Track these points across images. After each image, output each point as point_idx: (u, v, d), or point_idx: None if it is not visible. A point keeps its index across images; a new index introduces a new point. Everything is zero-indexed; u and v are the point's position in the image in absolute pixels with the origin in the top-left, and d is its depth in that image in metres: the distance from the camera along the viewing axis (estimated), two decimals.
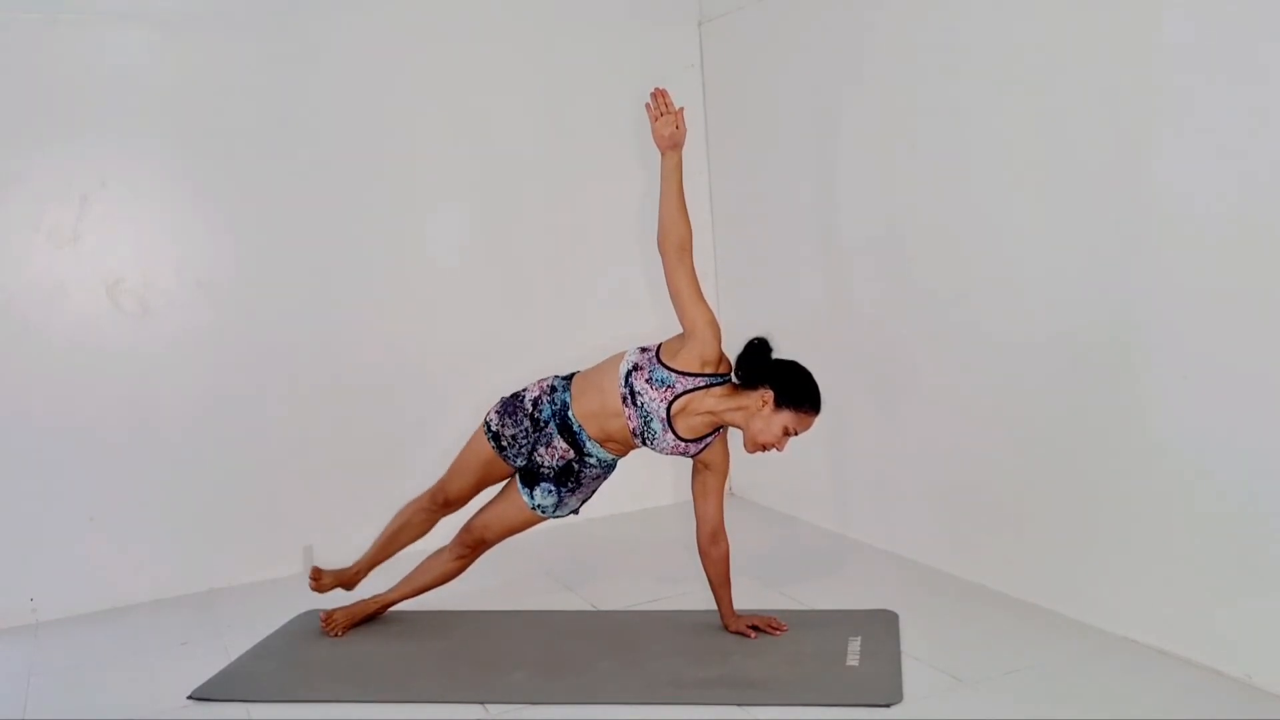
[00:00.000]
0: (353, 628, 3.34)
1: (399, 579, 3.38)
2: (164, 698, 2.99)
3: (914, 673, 2.87)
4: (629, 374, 3.00)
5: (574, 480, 3.12)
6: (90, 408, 3.78)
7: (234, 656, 3.23)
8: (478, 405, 3.45)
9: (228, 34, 3.92)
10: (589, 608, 3.54)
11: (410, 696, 2.90)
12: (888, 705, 2.69)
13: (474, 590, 3.59)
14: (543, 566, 3.93)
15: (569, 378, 3.17)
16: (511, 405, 3.17)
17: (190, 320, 3.91)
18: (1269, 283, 2.56)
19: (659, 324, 4.66)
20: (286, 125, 4.01)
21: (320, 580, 3.38)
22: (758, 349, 2.99)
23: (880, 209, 3.78)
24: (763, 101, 4.36)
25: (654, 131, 3.09)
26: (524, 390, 3.20)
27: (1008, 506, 3.36)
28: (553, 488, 3.11)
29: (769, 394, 2.93)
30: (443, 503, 3.29)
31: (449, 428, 3.65)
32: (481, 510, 3.25)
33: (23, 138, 3.68)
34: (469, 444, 3.24)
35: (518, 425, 3.14)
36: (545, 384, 3.18)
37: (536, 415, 3.12)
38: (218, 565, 3.97)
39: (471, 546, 3.25)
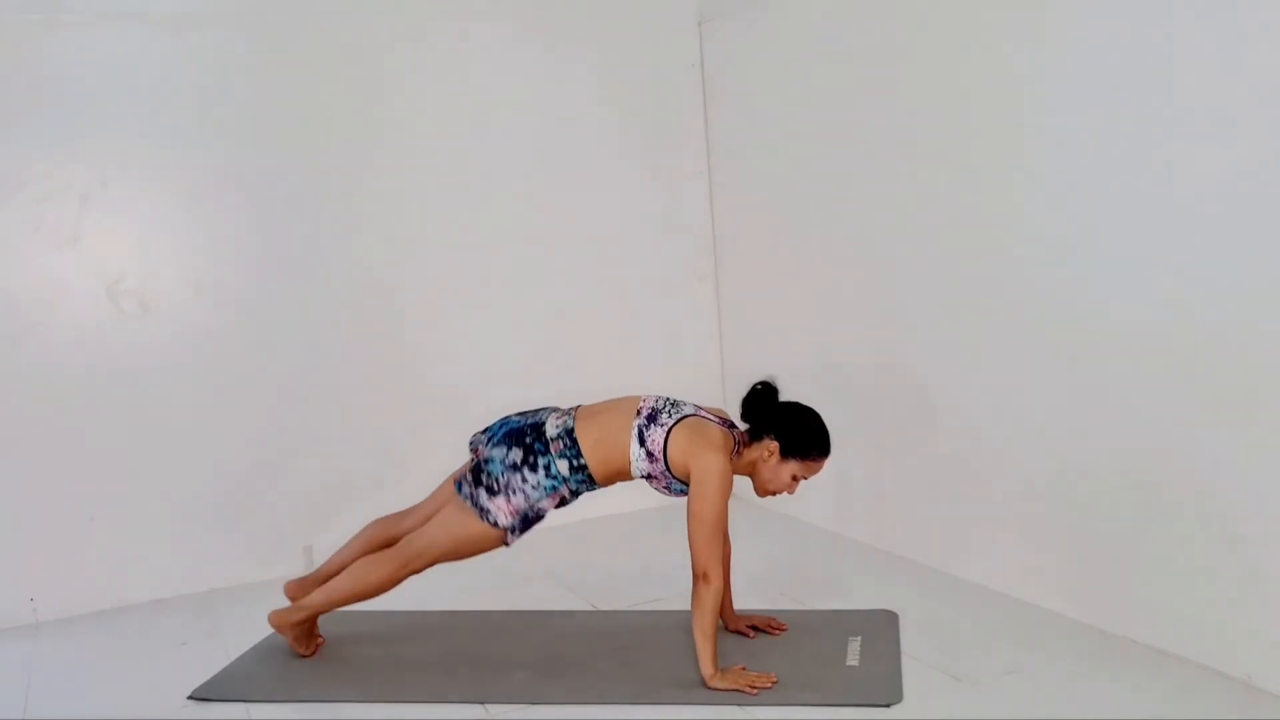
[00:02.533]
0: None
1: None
2: (164, 698, 2.99)
3: (914, 673, 2.87)
4: (647, 478, 2.91)
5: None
6: (90, 408, 3.78)
7: (234, 656, 3.23)
8: (477, 405, 3.45)
9: (228, 34, 3.92)
10: (589, 608, 3.54)
11: (410, 696, 2.90)
12: (888, 705, 2.69)
13: (474, 590, 3.59)
14: (543, 566, 3.93)
15: (583, 470, 2.87)
16: (532, 521, 2.91)
17: (190, 320, 3.91)
18: (1262, 287, 2.56)
19: (656, 329, 4.70)
20: (286, 126, 4.01)
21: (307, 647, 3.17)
22: (762, 395, 2.92)
23: (882, 209, 3.77)
24: (763, 101, 4.36)
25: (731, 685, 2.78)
26: (538, 506, 2.87)
27: (1007, 506, 3.36)
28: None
29: (774, 445, 2.87)
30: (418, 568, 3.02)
31: (449, 427, 3.64)
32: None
33: (22, 138, 3.67)
34: (465, 536, 2.92)
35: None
36: (559, 493, 2.88)
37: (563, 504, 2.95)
38: (218, 565, 3.96)
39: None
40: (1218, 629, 2.76)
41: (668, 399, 2.97)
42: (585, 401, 3.10)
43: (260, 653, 3.25)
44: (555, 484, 2.88)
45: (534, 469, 2.86)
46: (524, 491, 2.87)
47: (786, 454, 2.88)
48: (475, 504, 2.89)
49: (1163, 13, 2.73)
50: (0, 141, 3.65)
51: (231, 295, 3.97)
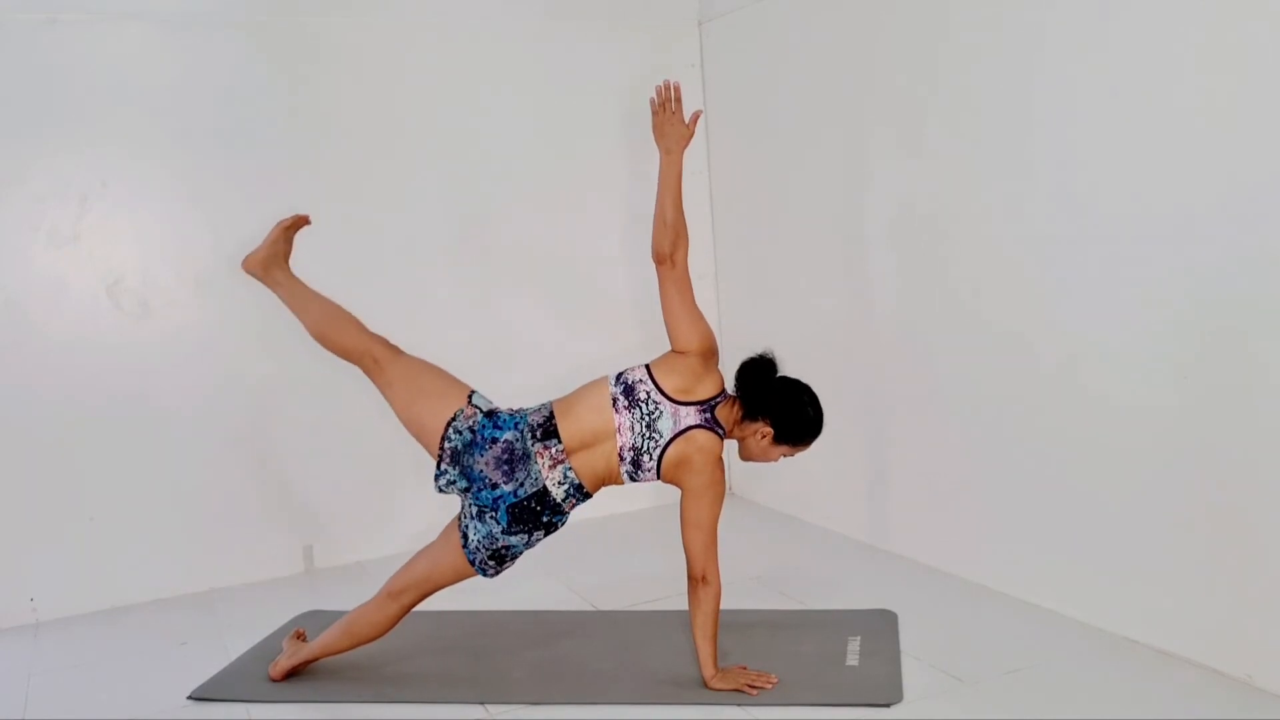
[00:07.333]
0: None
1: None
2: (164, 698, 2.99)
3: (914, 673, 2.87)
4: (632, 476, 2.85)
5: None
6: (90, 408, 3.78)
7: (234, 656, 3.23)
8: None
9: (228, 34, 3.92)
10: (589, 608, 3.54)
11: (410, 696, 2.91)
12: (888, 705, 2.69)
13: (474, 590, 3.58)
14: (543, 566, 3.93)
15: (580, 488, 2.81)
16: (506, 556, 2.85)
17: (190, 320, 3.91)
18: (1257, 290, 2.56)
19: (657, 328, 4.66)
20: (286, 125, 4.01)
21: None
22: (760, 369, 2.84)
23: (882, 209, 3.77)
24: (763, 101, 4.36)
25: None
26: (512, 546, 2.81)
27: (1007, 506, 3.36)
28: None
29: (768, 430, 2.79)
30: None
31: None
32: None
33: (23, 138, 3.68)
34: (448, 566, 2.87)
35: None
36: (542, 535, 2.84)
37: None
38: (218, 565, 3.96)
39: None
40: (1218, 629, 2.76)
41: (637, 410, 2.80)
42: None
43: (260, 653, 3.25)
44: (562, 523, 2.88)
45: (553, 529, 2.85)
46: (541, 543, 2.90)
47: (780, 440, 2.83)
48: (498, 573, 2.88)
49: (1175, 17, 2.74)
50: (1, 141, 3.65)
51: (232, 295, 3.96)
